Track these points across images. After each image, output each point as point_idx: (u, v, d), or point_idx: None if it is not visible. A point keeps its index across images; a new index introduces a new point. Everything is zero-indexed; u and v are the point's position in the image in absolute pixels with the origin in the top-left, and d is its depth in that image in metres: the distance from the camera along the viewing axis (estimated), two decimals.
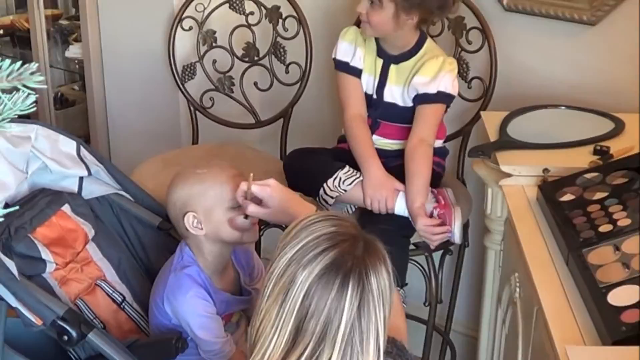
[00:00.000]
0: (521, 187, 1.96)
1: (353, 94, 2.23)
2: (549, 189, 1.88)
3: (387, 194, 2.12)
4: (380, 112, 2.22)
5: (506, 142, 2.09)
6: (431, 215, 2.11)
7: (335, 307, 1.24)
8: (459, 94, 2.27)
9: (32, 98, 0.73)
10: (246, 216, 1.72)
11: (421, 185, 2.11)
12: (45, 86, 0.66)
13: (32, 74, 0.69)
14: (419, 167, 2.12)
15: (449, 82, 2.14)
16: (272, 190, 1.68)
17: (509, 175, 1.99)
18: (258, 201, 1.68)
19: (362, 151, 2.17)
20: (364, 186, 2.13)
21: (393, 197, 2.12)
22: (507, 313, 1.99)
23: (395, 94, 2.19)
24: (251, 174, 1.69)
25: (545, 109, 2.24)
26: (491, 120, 2.21)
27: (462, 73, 2.42)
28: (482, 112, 2.34)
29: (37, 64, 0.72)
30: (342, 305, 1.25)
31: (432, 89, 2.13)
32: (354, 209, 2.24)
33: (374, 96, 2.21)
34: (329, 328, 1.24)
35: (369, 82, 2.22)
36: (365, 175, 2.14)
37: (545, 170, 1.95)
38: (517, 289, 1.86)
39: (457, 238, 2.14)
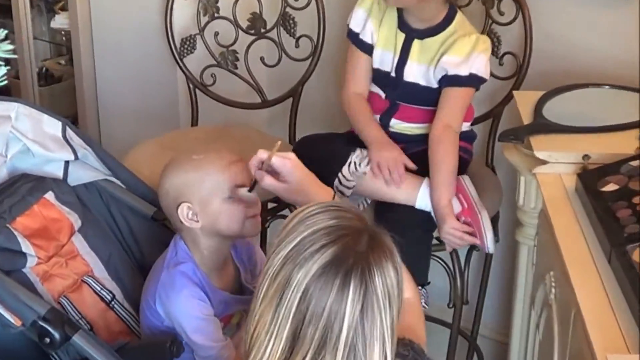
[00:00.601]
0: (558, 176, 1.95)
1: (357, 70, 2.23)
2: (590, 177, 1.86)
3: (395, 155, 2.12)
4: (399, 92, 2.20)
5: (542, 125, 2.07)
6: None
7: (335, 311, 1.22)
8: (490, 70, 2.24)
9: (3, 70, 0.71)
10: (250, 189, 1.72)
11: (447, 178, 2.09)
12: (15, 55, 0.65)
13: (0, 41, 0.68)
14: (445, 158, 2.10)
15: (482, 64, 2.13)
16: (292, 165, 1.67)
17: (544, 162, 1.98)
18: (274, 175, 1.68)
19: (360, 119, 2.21)
20: (369, 153, 2.14)
21: (402, 159, 2.12)
22: (541, 316, 1.98)
23: (418, 72, 2.17)
24: (279, 142, 1.70)
25: (586, 88, 2.22)
26: (525, 101, 2.20)
27: (493, 48, 2.39)
28: (514, 92, 2.33)
29: (5, 31, 0.71)
30: (343, 309, 1.22)
31: (463, 71, 2.11)
32: (368, 203, 2.22)
33: (393, 74, 2.19)
34: (329, 334, 1.22)
35: (386, 59, 2.20)
36: (367, 141, 2.16)
37: (586, 156, 1.94)
38: (553, 290, 1.85)
39: (491, 249, 2.12)
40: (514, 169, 2.14)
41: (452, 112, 2.14)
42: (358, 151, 2.16)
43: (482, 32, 2.40)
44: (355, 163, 2.14)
